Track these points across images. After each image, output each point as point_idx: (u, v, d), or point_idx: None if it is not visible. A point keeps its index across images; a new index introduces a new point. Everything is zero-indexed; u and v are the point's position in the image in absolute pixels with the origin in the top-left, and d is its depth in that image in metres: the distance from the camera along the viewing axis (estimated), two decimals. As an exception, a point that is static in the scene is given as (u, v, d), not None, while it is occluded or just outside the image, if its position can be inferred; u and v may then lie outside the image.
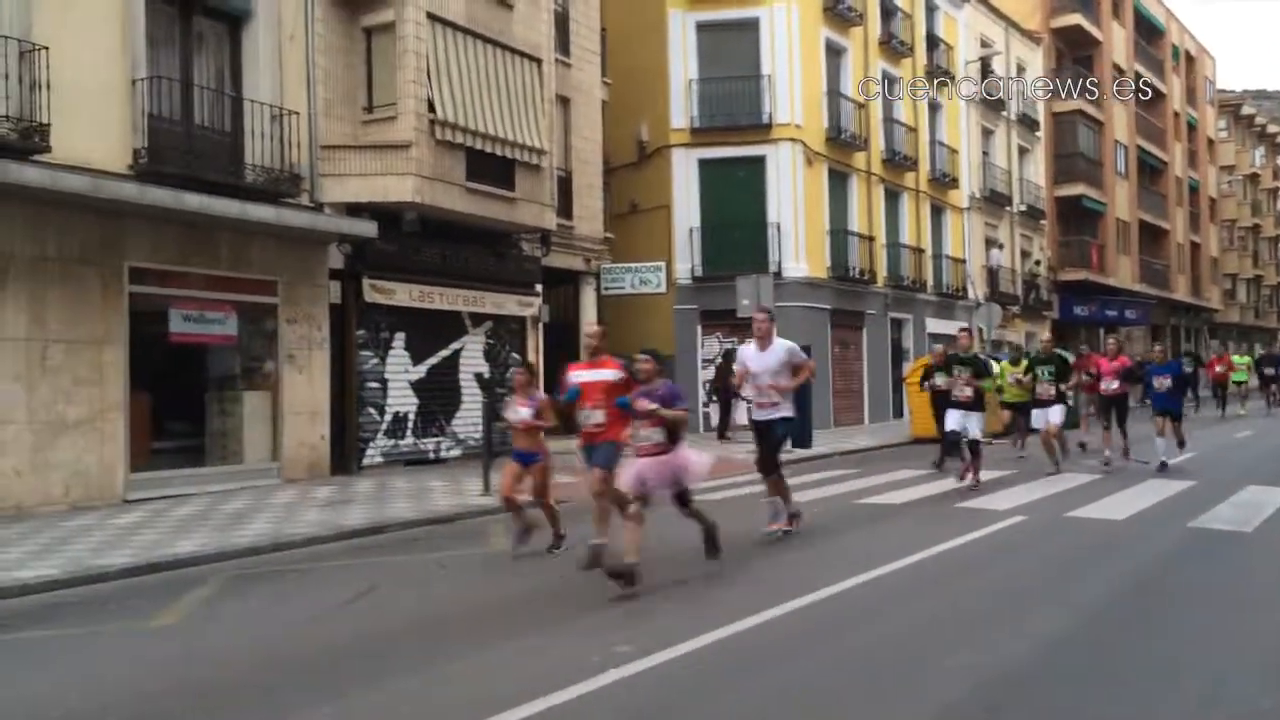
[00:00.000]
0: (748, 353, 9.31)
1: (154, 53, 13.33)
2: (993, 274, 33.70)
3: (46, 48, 11.60)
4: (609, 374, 8.32)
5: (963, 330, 15.16)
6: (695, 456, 7.76)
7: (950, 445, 14.05)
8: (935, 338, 29.46)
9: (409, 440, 16.96)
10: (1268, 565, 7.98)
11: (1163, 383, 14.65)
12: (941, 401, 14.06)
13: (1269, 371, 29.57)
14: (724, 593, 7.24)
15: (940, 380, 14.26)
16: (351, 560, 9.29)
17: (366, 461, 16.15)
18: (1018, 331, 34.59)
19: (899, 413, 26.61)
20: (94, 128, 12.31)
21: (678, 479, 7.64)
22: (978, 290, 32.47)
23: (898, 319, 28.73)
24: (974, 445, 12.78)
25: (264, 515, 11.50)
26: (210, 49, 14.42)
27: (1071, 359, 16.76)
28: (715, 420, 22.57)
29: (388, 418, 16.61)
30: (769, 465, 9.32)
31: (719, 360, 23.06)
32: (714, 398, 22.55)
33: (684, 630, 6.10)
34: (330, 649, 6.12)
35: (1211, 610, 6.54)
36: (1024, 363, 15.82)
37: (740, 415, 22.47)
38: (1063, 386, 14.61)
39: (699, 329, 24.16)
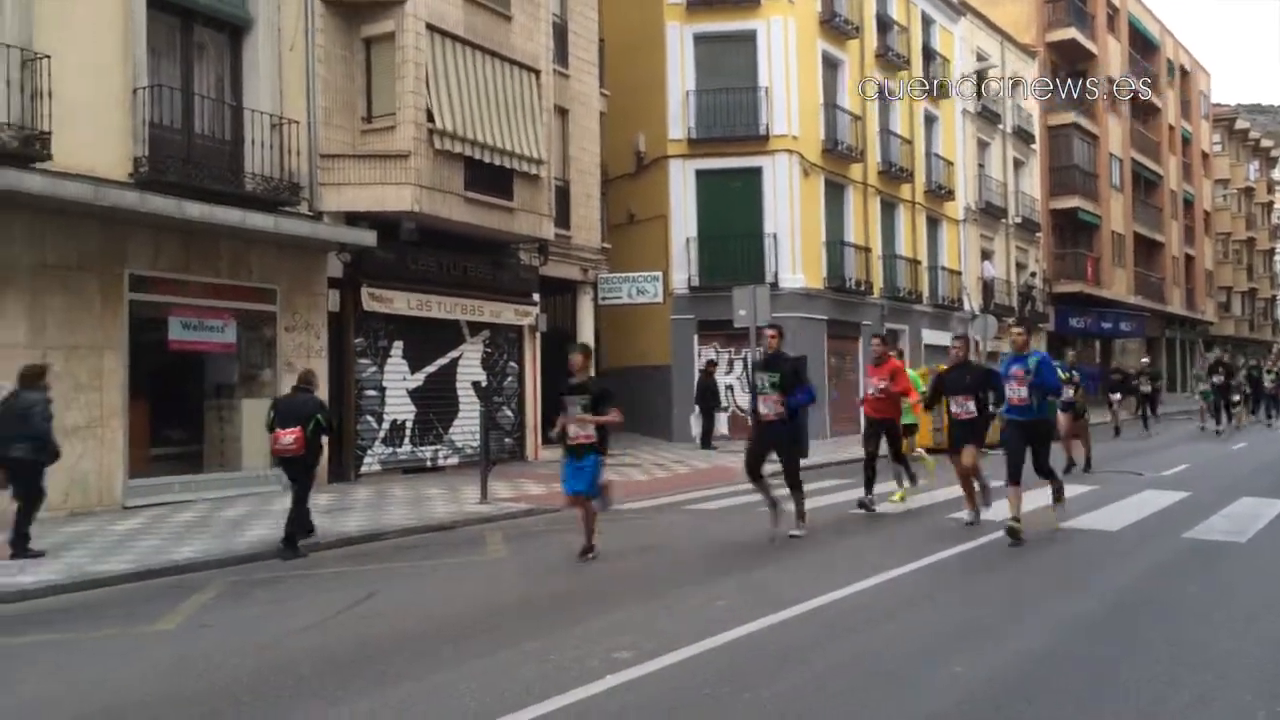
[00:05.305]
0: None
1: (155, 62, 13.40)
2: (988, 286, 33.79)
3: (48, 57, 11.66)
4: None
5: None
6: None
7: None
8: (931, 349, 29.63)
9: (406, 448, 16.99)
10: (1262, 576, 8.03)
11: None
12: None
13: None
14: (721, 599, 7.28)
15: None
16: (350, 567, 9.33)
17: (364, 469, 16.17)
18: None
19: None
20: (95, 136, 12.37)
21: None
22: (973, 302, 32.58)
23: (894, 330, 28.78)
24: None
25: (263, 521, 11.53)
26: (211, 58, 14.50)
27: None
28: (696, 430, 22.55)
29: (385, 426, 16.64)
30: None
31: (703, 369, 22.96)
32: (697, 407, 22.52)
33: (682, 636, 6.15)
34: (329, 655, 6.15)
35: (1205, 621, 6.58)
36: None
37: (721, 425, 22.55)
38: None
39: (695, 339, 24.19)
